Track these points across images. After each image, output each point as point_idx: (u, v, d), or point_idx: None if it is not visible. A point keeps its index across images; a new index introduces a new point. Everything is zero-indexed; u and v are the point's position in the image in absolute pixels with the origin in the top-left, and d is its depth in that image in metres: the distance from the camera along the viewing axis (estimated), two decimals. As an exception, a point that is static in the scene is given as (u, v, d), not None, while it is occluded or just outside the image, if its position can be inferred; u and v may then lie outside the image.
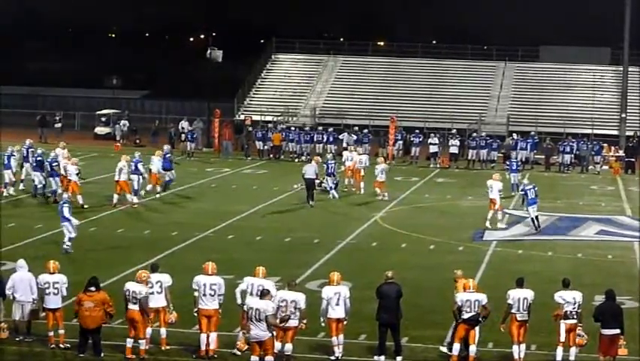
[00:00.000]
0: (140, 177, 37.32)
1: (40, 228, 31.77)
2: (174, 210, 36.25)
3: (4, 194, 38.11)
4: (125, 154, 38.37)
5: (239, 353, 19.43)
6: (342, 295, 19.49)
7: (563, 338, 19.20)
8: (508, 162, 45.95)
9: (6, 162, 38.86)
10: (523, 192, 34.25)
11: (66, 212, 28.26)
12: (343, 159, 43.36)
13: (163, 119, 68.74)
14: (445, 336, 20.91)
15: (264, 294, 18.55)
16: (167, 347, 19.74)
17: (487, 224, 33.95)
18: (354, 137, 54.78)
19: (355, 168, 41.42)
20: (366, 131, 56.65)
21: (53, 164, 36.90)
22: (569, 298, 19.34)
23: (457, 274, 20.31)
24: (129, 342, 19.22)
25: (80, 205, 35.12)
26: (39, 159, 37.36)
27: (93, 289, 19.42)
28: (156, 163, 38.64)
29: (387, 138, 55.15)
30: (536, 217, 33.97)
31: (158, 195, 38.61)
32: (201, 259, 20.41)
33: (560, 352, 19.25)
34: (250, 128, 57.06)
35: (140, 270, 19.93)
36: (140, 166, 37.22)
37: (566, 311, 19.23)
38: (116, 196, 36.40)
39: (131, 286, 19.26)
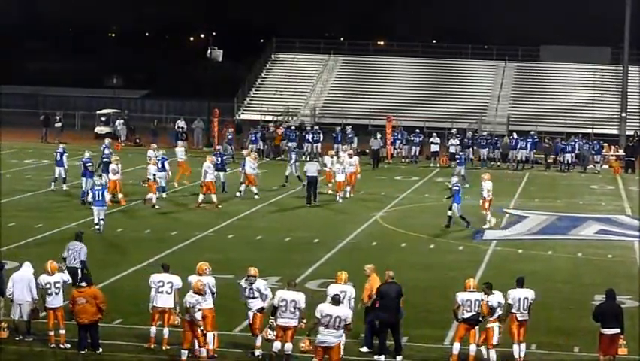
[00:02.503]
0: (167, 174, 38.31)
1: (40, 228, 31.78)
2: (174, 210, 36.23)
3: (52, 188, 39.20)
4: (208, 155, 39.25)
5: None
6: (348, 295, 19.45)
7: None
8: (458, 156, 47.36)
9: (58, 158, 39.64)
10: (457, 188, 34.04)
11: (107, 197, 31.66)
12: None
13: (163, 119, 68.81)
14: (445, 335, 20.93)
15: (337, 300, 18.35)
16: (167, 347, 19.73)
17: (488, 225, 33.91)
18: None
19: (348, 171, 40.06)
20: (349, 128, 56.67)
21: (87, 164, 37.05)
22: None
23: (368, 268, 20.28)
24: (183, 354, 18.99)
25: (152, 204, 36.03)
26: (87, 164, 37.24)
27: (84, 284, 19.53)
28: (249, 164, 38.87)
29: (385, 137, 55.18)
30: (461, 216, 33.75)
31: (257, 197, 38.73)
32: (201, 259, 20.40)
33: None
34: (273, 129, 56.66)
35: (197, 281, 19.28)
36: (166, 164, 38.30)
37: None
38: (201, 196, 36.64)
39: (190, 298, 18.96)
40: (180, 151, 42.22)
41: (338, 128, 56.22)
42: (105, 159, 38.88)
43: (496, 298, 19.20)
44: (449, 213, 33.81)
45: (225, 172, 40.56)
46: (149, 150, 40.68)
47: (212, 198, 36.66)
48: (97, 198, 31.16)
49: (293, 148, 44.22)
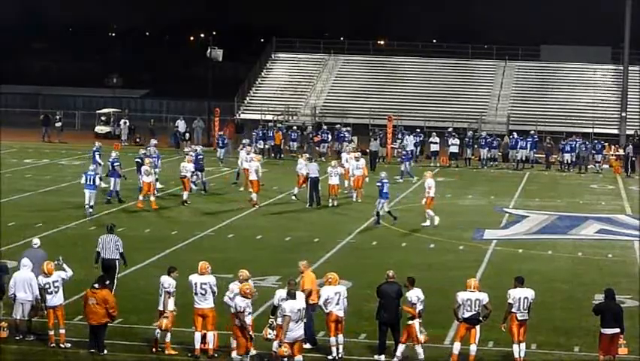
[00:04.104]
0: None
1: (40, 227, 31.77)
2: (174, 210, 36.22)
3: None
4: (256, 155, 39.69)
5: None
6: (342, 295, 19.52)
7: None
8: (404, 152, 48.11)
9: (96, 157, 40.01)
10: (380, 185, 34.05)
11: (97, 181, 34.40)
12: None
13: (163, 119, 68.84)
14: (445, 335, 20.92)
15: (293, 295, 18.51)
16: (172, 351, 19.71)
17: (429, 223, 33.77)
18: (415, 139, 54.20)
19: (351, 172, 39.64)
20: (344, 128, 56.47)
21: (115, 164, 37.07)
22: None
23: (302, 265, 20.36)
24: (236, 359, 18.93)
25: (183, 201, 36.89)
26: (115, 164, 37.17)
27: (97, 286, 19.44)
28: (302, 165, 38.63)
29: (386, 137, 55.19)
30: (388, 212, 33.90)
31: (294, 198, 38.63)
32: (202, 259, 20.37)
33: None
34: (311, 131, 56.40)
35: (243, 284, 18.95)
36: (159, 163, 39.20)
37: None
38: (254, 195, 36.71)
39: (240, 301, 18.65)
40: (247, 157, 40.37)
41: (347, 128, 56.15)
42: (137, 160, 38.67)
43: (414, 293, 19.24)
44: (377, 209, 33.99)
45: (203, 171, 40.38)
46: (189, 152, 40.25)
47: (253, 197, 36.75)
48: (88, 183, 34.06)
49: (248, 144, 44.22)
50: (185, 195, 37.12)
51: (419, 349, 19.23)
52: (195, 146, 45.39)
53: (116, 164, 37.04)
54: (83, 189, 34.29)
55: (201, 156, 40.57)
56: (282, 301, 18.55)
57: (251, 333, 18.67)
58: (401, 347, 19.30)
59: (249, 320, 18.59)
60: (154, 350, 19.57)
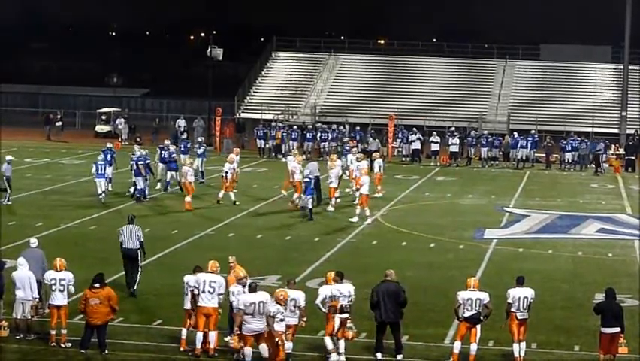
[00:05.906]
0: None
1: (40, 226, 31.78)
2: (175, 209, 36.18)
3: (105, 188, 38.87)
4: (298, 155, 38.66)
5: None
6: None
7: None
8: (346, 147, 47.51)
9: (108, 158, 39.60)
10: (308, 180, 34.49)
11: (107, 171, 36.95)
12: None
13: (164, 118, 68.81)
14: (446, 334, 20.92)
15: (254, 288, 18.58)
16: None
17: (356, 219, 33.93)
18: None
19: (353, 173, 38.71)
20: (358, 128, 56.45)
21: (140, 163, 36.96)
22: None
23: (231, 260, 20.37)
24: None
25: (233, 201, 36.79)
26: (140, 162, 36.96)
27: (97, 285, 19.39)
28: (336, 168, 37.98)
29: (387, 136, 55.21)
30: (310, 209, 34.33)
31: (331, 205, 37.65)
32: (202, 258, 20.42)
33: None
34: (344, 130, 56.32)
35: (279, 290, 18.92)
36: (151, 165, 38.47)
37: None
38: (296, 195, 36.60)
39: (271, 307, 18.40)
40: (291, 159, 39.49)
41: (357, 128, 56.07)
42: (140, 161, 37.77)
43: (345, 287, 19.24)
44: (308, 206, 34.42)
45: (177, 171, 39.31)
46: (230, 155, 39.55)
47: (294, 197, 36.61)
48: (99, 172, 36.37)
49: (203, 143, 44.27)
50: (232, 194, 37.01)
51: (341, 343, 19.15)
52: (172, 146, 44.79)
53: (140, 162, 36.92)
54: (94, 178, 36.41)
55: (174, 155, 40.38)
56: (238, 295, 18.66)
57: (282, 340, 18.32)
58: (342, 342, 19.19)
59: (279, 326, 18.29)
60: (181, 348, 19.49)
